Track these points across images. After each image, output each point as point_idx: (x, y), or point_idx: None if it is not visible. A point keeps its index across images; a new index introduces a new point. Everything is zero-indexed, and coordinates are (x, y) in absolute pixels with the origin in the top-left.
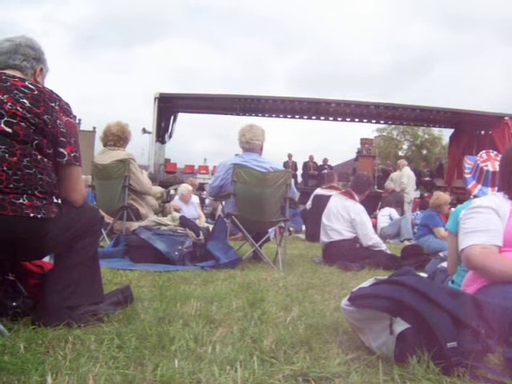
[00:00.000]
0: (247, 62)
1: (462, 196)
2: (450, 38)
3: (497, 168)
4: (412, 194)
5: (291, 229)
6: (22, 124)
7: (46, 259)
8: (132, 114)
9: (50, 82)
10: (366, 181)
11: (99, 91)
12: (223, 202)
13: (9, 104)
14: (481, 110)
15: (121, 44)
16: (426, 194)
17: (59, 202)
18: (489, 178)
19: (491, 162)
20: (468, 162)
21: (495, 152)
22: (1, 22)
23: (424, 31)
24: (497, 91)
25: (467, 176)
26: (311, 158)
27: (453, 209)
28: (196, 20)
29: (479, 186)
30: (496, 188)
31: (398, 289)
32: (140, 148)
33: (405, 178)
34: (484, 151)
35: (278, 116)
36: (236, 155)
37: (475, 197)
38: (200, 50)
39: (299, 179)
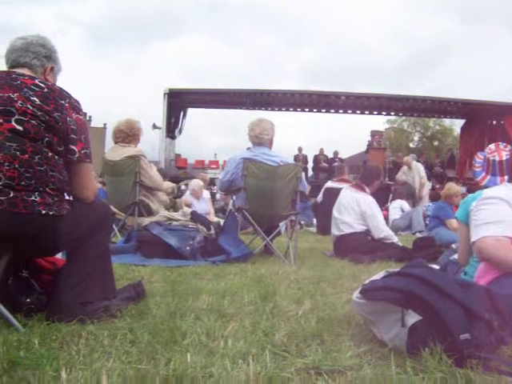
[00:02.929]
0: (259, 58)
1: (474, 187)
2: (462, 30)
3: (503, 157)
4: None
5: (302, 222)
6: (33, 122)
7: (59, 255)
8: (144, 111)
9: (64, 79)
10: (375, 172)
11: (111, 88)
12: (233, 197)
13: (19, 102)
14: (492, 100)
15: (134, 41)
16: (437, 186)
17: (71, 198)
18: (496, 167)
19: (498, 152)
20: (480, 157)
21: (504, 144)
22: (18, 21)
23: (435, 23)
24: (509, 81)
25: (477, 170)
26: (321, 150)
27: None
28: (209, 16)
29: (488, 177)
30: (505, 177)
31: (410, 281)
32: (151, 144)
33: (422, 172)
34: (493, 144)
35: (287, 110)
36: (248, 149)
37: (485, 187)
38: (213, 45)
39: (310, 172)
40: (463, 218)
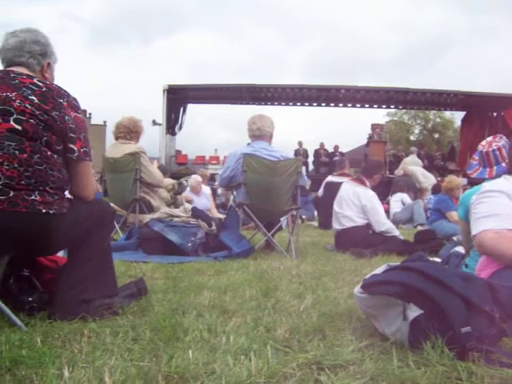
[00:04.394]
0: (261, 52)
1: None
2: (463, 20)
3: (490, 148)
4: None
5: (304, 217)
6: (31, 121)
7: (60, 254)
8: (145, 108)
9: (64, 77)
10: (375, 165)
11: (111, 85)
12: (234, 192)
13: (17, 101)
14: (492, 92)
15: (135, 38)
16: (438, 179)
17: (71, 197)
18: (484, 158)
19: (489, 143)
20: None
21: (501, 135)
22: (20, 20)
23: (436, 14)
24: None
25: (474, 162)
26: (322, 145)
27: None
28: (209, 10)
29: (480, 169)
30: (494, 168)
31: (410, 275)
32: (151, 140)
33: (420, 177)
34: (491, 136)
35: (287, 104)
36: (248, 144)
37: (481, 179)
38: (214, 40)
39: (310, 167)
40: (463, 216)
